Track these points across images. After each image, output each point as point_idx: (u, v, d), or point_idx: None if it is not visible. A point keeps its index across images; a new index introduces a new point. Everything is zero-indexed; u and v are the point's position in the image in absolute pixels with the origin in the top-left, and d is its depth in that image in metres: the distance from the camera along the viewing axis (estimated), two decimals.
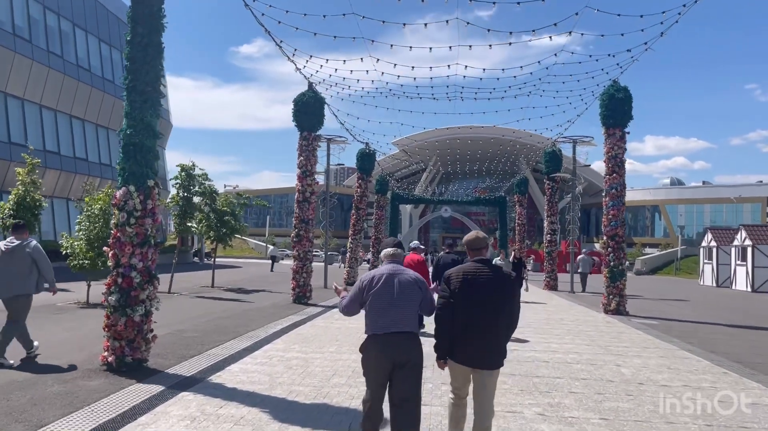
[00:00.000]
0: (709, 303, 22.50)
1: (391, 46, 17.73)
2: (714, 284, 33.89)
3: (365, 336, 4.58)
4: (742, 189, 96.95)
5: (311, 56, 15.69)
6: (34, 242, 8.00)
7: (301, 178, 16.91)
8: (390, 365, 4.37)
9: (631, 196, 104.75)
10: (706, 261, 35.45)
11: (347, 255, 26.83)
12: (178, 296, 18.06)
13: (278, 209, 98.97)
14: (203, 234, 22.16)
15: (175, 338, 10.16)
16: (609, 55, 15.68)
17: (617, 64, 15.45)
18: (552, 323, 13.80)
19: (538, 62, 17.17)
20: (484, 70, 17.14)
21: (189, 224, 18.65)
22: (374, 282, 4.53)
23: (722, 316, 17.23)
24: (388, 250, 4.79)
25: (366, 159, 26.34)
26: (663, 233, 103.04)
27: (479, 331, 4.42)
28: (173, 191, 19.59)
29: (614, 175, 16.20)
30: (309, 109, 16.77)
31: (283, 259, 40.52)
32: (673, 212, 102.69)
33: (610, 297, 16.09)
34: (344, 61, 15.22)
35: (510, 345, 5.21)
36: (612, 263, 16.15)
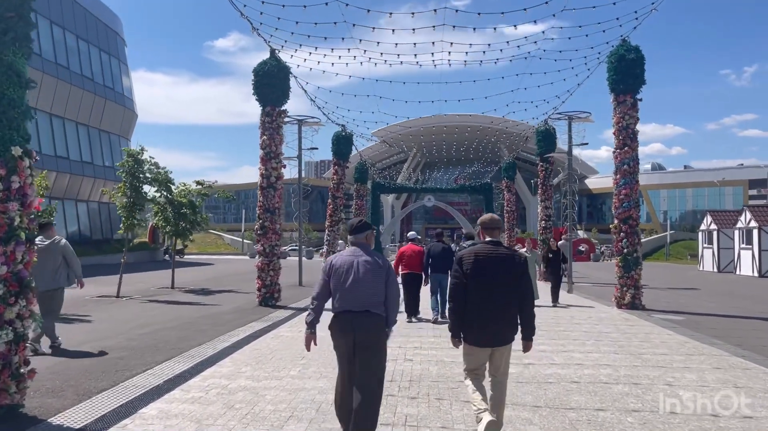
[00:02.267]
0: (722, 291, 20.57)
1: (373, 29, 16.31)
2: (715, 269, 32.13)
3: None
4: (723, 172, 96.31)
5: (296, 50, 15.23)
6: (64, 240, 8.75)
7: (264, 161, 14.58)
8: (351, 343, 4.52)
9: (613, 181, 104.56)
10: (705, 245, 33.65)
11: (324, 248, 24.50)
12: (126, 301, 15.67)
13: (256, 204, 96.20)
14: (160, 229, 19.76)
15: (90, 362, 7.83)
16: (598, 23, 13.89)
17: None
18: (563, 323, 11.67)
19: (525, 38, 15.86)
20: (467, 51, 15.41)
21: (138, 218, 16.21)
22: (336, 264, 4.67)
23: (747, 307, 15.27)
24: (352, 235, 4.84)
25: (342, 143, 24.02)
26: (646, 219, 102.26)
27: (493, 311, 4.53)
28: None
29: (626, 148, 14.07)
30: (272, 80, 14.43)
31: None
32: (655, 197, 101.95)
33: (624, 289, 14.01)
34: (332, 49, 13.32)
35: (525, 359, 5.65)
36: (625, 250, 14.05)
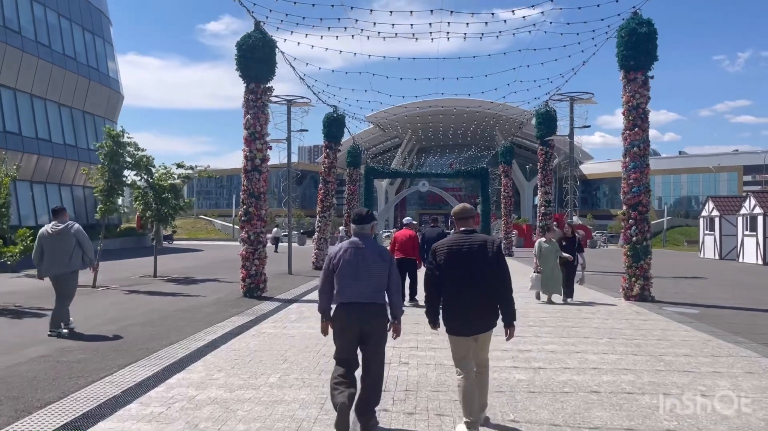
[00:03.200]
0: (730, 280, 19.76)
1: (371, 11, 15.31)
2: (717, 257, 31.36)
3: (323, 347, 5.77)
4: (719, 158, 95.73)
5: (291, 32, 14.90)
6: (77, 225, 8.91)
7: (248, 141, 13.57)
8: (356, 333, 4.71)
9: (608, 167, 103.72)
10: (707, 232, 32.84)
11: (315, 234, 23.56)
12: (102, 291, 14.71)
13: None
14: (141, 214, 18.76)
15: (42, 366, 6.89)
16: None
17: None
18: (570, 317, 10.79)
19: (523, 17, 14.90)
20: (465, 32, 14.50)
21: (117, 202, 15.19)
22: (339, 255, 4.78)
23: (762, 299, 14.45)
24: (355, 225, 4.91)
25: (334, 125, 22.96)
26: None
27: (471, 299, 4.63)
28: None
29: (636, 129, 13.14)
30: (256, 54, 13.38)
31: (282, 240, 37.74)
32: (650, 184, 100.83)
33: (632, 279, 13.15)
34: (328, 28, 12.06)
35: (534, 362, 6.31)
36: (634, 238, 13.17)
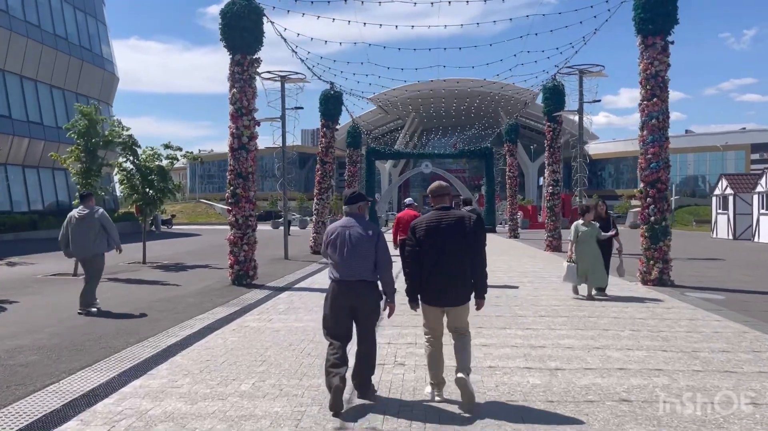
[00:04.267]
0: (750, 262, 18.70)
1: None
2: (730, 236, 30.27)
3: (309, 345, 6.16)
4: (726, 137, 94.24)
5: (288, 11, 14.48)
6: (102, 209, 9.37)
7: (234, 118, 12.56)
8: (347, 309, 4.90)
9: (613, 147, 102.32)
10: (720, 211, 31.70)
11: (313, 217, 22.60)
12: (84, 279, 13.79)
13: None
14: (127, 198, 17.82)
15: None
16: None
17: None
18: (585, 306, 9.82)
19: None
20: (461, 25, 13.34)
21: (95, 185, 14.22)
22: (331, 235, 4.99)
23: None
24: (344, 207, 5.09)
25: (331, 102, 21.89)
26: None
27: (446, 273, 4.79)
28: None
29: (654, 99, 12.06)
30: (241, 23, 12.34)
31: (291, 223, 36.93)
32: None
33: (650, 262, 12.18)
34: (332, 18, 11.01)
35: (550, 360, 6.03)
36: (652, 218, 12.16)
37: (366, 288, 4.87)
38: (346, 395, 4.83)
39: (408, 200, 12.90)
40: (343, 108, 23.60)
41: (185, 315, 9.13)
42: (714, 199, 32.57)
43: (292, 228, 37.40)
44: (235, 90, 12.50)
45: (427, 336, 5.02)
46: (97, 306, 9.37)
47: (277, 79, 19.37)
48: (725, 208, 30.93)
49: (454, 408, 4.81)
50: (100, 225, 9.27)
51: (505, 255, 19.73)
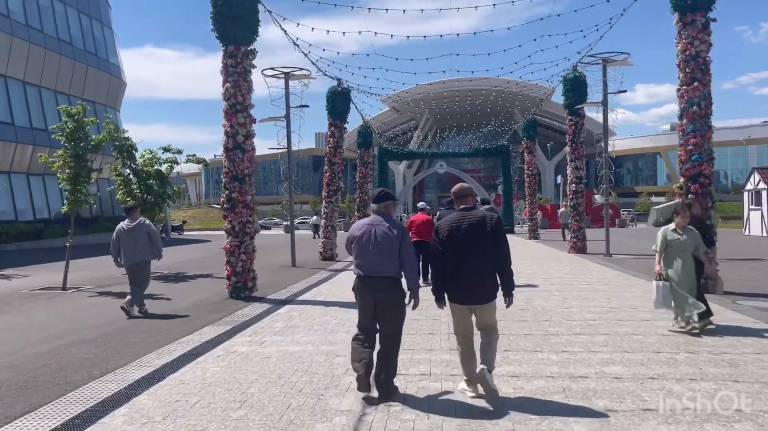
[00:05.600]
0: None
1: None
2: (765, 233, 28.63)
3: (302, 377, 5.68)
4: (748, 130, 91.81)
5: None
6: (147, 221, 10.35)
7: (228, 114, 11.46)
8: (372, 303, 5.06)
9: (631, 143, 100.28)
10: (752, 207, 30.08)
11: (322, 222, 21.47)
12: (72, 294, 12.85)
13: (266, 176, 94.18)
14: (124, 204, 16.81)
15: None
16: None
17: None
18: (625, 318, 8.55)
19: None
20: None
21: (85, 192, 13.20)
22: (356, 232, 5.16)
23: None
24: (372, 205, 5.24)
25: (338, 99, 20.76)
26: (665, 181, 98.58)
27: (470, 272, 4.94)
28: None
29: (695, 84, 10.78)
30: (234, 10, 11.24)
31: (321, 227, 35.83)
32: (674, 158, 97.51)
33: None
34: (342, 32, 9.84)
35: (596, 397, 5.10)
36: None
37: (388, 284, 5.01)
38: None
39: (421, 204, 13.67)
40: (352, 106, 22.49)
41: (168, 337, 8.02)
42: (746, 194, 30.94)
43: (300, 233, 36.30)
44: (228, 84, 11.40)
45: (458, 337, 5.21)
46: (144, 309, 9.95)
47: (280, 76, 18.30)
48: (758, 203, 29.32)
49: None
50: (147, 236, 10.00)
51: (527, 259, 18.45)
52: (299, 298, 11.37)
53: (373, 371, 5.03)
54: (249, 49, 11.60)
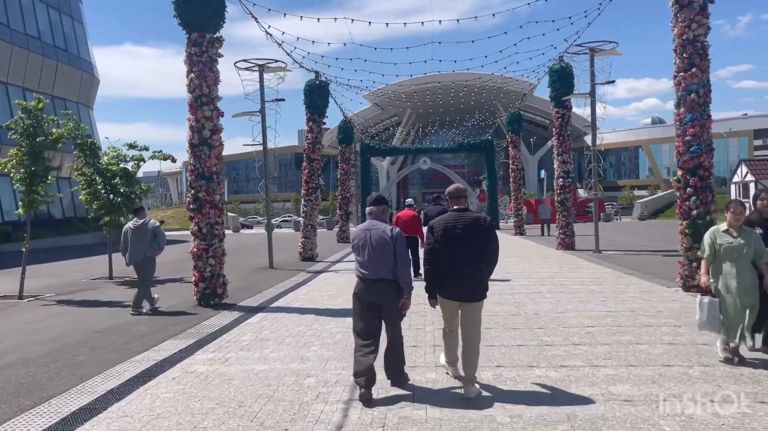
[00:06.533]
0: None
1: None
2: None
3: (266, 404, 5.08)
4: (728, 123, 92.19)
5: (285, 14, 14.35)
6: (153, 220, 10.59)
7: (193, 108, 10.59)
8: (374, 306, 5.27)
9: (613, 137, 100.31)
10: (741, 199, 29.77)
11: (301, 221, 20.63)
12: (28, 303, 11.91)
13: (249, 174, 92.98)
14: (88, 205, 15.88)
15: None
16: None
17: None
18: (625, 325, 7.86)
19: None
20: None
21: (41, 192, 12.24)
22: (355, 237, 5.41)
23: None
24: (369, 208, 5.49)
25: (316, 93, 19.91)
26: (647, 174, 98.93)
27: (462, 271, 5.14)
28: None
29: (693, 69, 10.11)
30: None
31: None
32: (657, 152, 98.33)
33: (693, 265, 10.19)
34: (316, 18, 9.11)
35: (604, 424, 4.47)
36: (694, 212, 10.20)
37: (388, 286, 5.21)
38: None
39: (409, 201, 14.45)
40: (332, 100, 21.66)
41: (123, 353, 7.19)
42: (733, 186, 30.59)
43: (282, 231, 35.48)
44: (192, 75, 10.53)
45: (446, 325, 5.48)
46: (155, 307, 10.19)
47: (255, 68, 17.42)
48: (746, 195, 28.94)
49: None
50: (153, 234, 10.28)
51: (515, 256, 17.76)
52: (273, 305, 10.55)
53: (384, 367, 5.42)
54: (215, 36, 10.74)
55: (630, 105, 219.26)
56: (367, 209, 5.51)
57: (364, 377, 5.04)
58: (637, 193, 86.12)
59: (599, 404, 4.84)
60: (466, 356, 5.16)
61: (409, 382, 5.45)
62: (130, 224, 10.52)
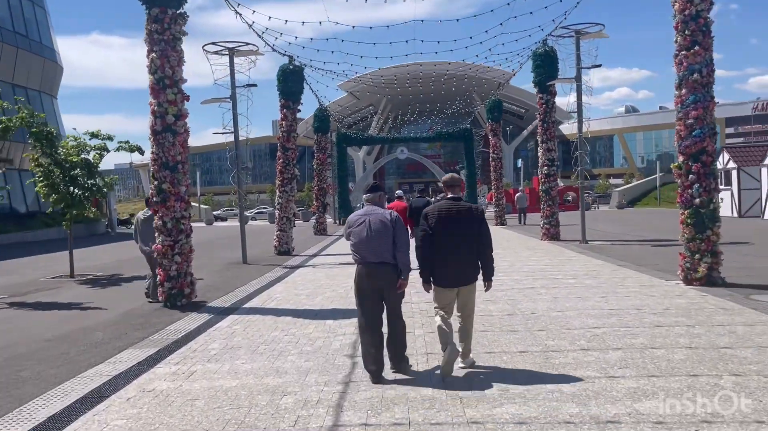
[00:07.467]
0: None
1: None
2: (734, 214, 28.08)
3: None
4: None
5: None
6: None
7: (155, 91, 9.64)
8: (376, 291, 5.43)
9: (586, 127, 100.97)
10: (722, 187, 29.49)
11: (276, 213, 19.71)
12: None
13: (222, 165, 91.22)
14: (46, 199, 14.81)
15: None
16: None
17: None
18: (630, 320, 7.18)
19: None
20: None
21: None
22: (353, 222, 5.54)
23: None
24: (366, 195, 5.71)
25: (290, 78, 18.96)
26: (621, 162, 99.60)
27: (456, 257, 5.39)
28: None
29: (696, 48, 9.45)
30: None
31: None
32: (631, 140, 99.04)
33: (696, 257, 9.60)
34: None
35: None
36: (697, 200, 9.58)
37: (388, 269, 5.35)
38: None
39: (398, 192, 15.31)
40: (307, 87, 20.73)
41: (73, 367, 6.31)
42: None
43: (257, 223, 34.43)
44: (154, 55, 9.58)
45: (438, 312, 5.51)
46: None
47: (224, 52, 16.44)
48: (728, 183, 28.74)
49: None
50: None
51: (500, 248, 16.99)
52: (246, 305, 9.71)
53: (385, 351, 5.49)
54: (178, 12, 9.78)
55: (603, 94, 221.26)
56: (364, 196, 5.75)
57: (374, 367, 5.31)
58: (612, 181, 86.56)
59: (627, 427, 4.12)
60: (462, 334, 5.60)
61: (411, 367, 5.58)
62: (140, 214, 10.71)
